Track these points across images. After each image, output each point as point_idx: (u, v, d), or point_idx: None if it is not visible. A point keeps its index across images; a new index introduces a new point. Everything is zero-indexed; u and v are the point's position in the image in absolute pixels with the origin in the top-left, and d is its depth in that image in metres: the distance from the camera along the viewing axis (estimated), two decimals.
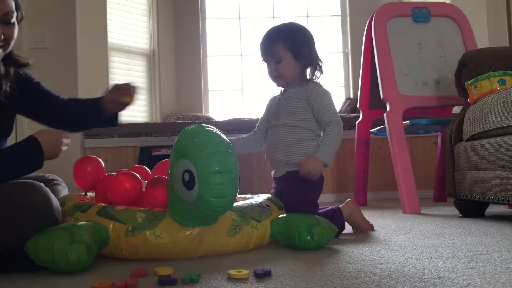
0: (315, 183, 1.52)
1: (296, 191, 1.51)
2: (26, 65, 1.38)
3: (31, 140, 1.21)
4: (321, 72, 1.61)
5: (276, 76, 1.60)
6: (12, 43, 1.27)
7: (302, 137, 1.56)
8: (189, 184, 1.09)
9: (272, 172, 1.65)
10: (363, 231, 1.61)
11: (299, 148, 1.55)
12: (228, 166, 1.09)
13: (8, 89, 1.32)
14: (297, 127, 1.56)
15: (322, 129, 1.57)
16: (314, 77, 1.61)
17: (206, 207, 1.10)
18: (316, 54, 1.63)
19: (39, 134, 1.23)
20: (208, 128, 1.16)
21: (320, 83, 1.62)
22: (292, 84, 1.61)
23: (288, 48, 1.57)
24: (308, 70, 1.62)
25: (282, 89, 1.66)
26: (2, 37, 1.21)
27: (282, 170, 1.58)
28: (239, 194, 1.60)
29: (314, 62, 1.61)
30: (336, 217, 1.51)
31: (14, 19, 1.24)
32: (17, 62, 1.35)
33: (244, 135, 1.73)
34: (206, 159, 1.08)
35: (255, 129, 1.73)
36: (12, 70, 1.34)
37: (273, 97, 1.72)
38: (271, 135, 1.64)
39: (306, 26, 1.68)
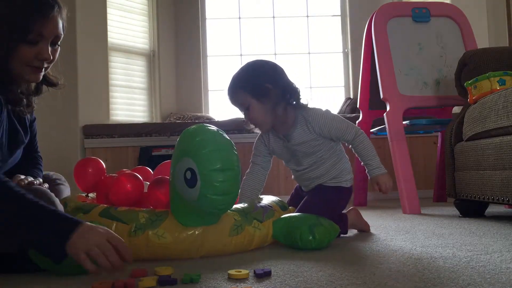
0: (342, 194, 1.58)
1: (323, 193, 1.55)
2: (56, 84, 1.36)
3: (75, 223, 0.96)
4: (299, 97, 1.50)
5: (252, 124, 1.54)
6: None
7: (332, 163, 1.58)
8: (191, 182, 1.10)
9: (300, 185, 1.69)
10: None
11: (333, 170, 1.58)
12: (230, 164, 1.10)
13: (35, 105, 1.33)
14: (324, 158, 1.57)
15: (350, 145, 1.58)
16: (303, 101, 1.51)
17: (208, 205, 1.10)
18: (287, 82, 1.50)
19: (88, 227, 0.96)
20: (209, 127, 1.16)
21: (315, 108, 1.54)
22: (281, 126, 1.53)
23: (249, 93, 1.47)
24: (288, 96, 1.50)
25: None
26: (51, 57, 1.22)
27: (314, 185, 1.61)
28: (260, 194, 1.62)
29: (287, 92, 1.49)
30: (342, 223, 1.52)
31: (60, 41, 1.25)
32: (48, 80, 1.34)
33: (253, 183, 1.61)
34: (208, 157, 1.09)
35: (257, 168, 1.62)
36: (42, 87, 1.34)
37: (261, 137, 1.62)
38: (298, 174, 1.63)
39: (273, 62, 1.56)
